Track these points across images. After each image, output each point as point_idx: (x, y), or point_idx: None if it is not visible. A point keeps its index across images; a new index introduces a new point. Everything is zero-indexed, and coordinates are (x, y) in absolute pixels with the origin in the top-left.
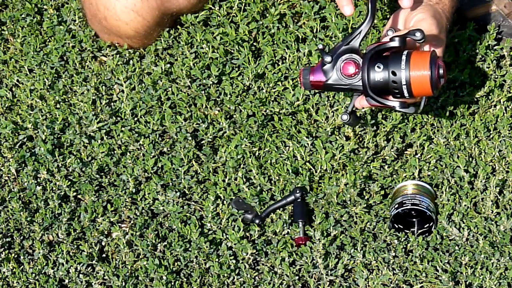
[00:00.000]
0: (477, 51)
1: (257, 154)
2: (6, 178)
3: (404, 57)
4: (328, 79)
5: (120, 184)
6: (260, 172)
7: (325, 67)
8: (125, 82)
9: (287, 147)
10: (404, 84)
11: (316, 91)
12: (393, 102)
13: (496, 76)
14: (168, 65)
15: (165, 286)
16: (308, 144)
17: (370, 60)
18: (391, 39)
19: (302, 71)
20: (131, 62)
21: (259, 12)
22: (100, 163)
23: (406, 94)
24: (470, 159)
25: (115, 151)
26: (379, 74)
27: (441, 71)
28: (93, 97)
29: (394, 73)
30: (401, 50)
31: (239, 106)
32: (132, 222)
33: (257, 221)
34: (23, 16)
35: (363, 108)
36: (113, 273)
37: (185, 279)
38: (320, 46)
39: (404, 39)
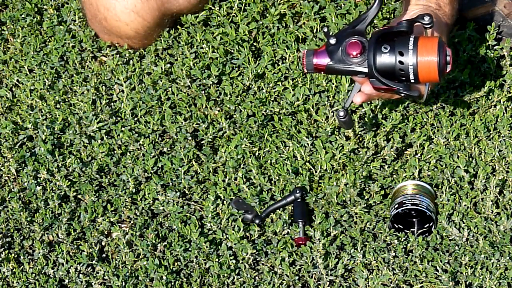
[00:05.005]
0: (477, 51)
1: (257, 154)
2: (6, 178)
3: (412, 40)
4: (332, 60)
5: (120, 184)
6: (260, 172)
7: (329, 49)
8: (125, 82)
9: (287, 147)
10: (411, 66)
11: (316, 90)
12: (398, 84)
13: (496, 76)
14: (168, 65)
15: (165, 286)
16: (308, 144)
17: (377, 42)
18: (399, 23)
19: (306, 52)
20: (131, 62)
21: (259, 12)
22: (100, 163)
23: (412, 77)
24: (470, 159)
25: (115, 151)
26: (385, 55)
27: (448, 58)
28: (93, 97)
29: (401, 53)
30: (408, 34)
31: (239, 106)
32: (132, 222)
33: (257, 221)
34: (23, 16)
35: (361, 102)
36: (113, 273)
37: (185, 279)
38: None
39: (411, 24)
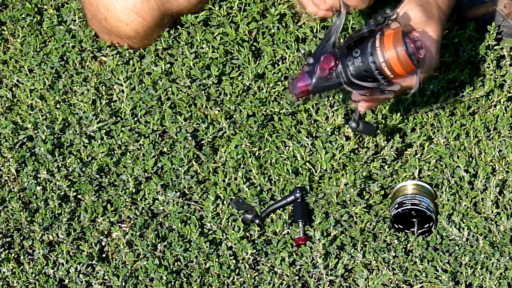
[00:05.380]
0: (477, 51)
1: (257, 154)
2: (6, 178)
3: (378, 37)
4: (313, 80)
5: (120, 184)
6: (260, 172)
7: (309, 69)
8: (125, 82)
9: (287, 147)
10: (383, 63)
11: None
12: (377, 83)
13: (496, 76)
14: (168, 65)
15: (165, 286)
16: (308, 144)
17: (348, 49)
18: (364, 25)
19: (289, 83)
20: (131, 62)
21: (259, 12)
22: (100, 163)
23: (389, 73)
24: (470, 159)
25: (115, 151)
26: (357, 59)
27: (418, 43)
28: (93, 97)
29: (371, 54)
30: (375, 32)
31: (239, 106)
32: (132, 222)
33: (257, 221)
34: (23, 16)
35: (366, 109)
36: (113, 273)
37: (185, 279)
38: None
39: (376, 21)
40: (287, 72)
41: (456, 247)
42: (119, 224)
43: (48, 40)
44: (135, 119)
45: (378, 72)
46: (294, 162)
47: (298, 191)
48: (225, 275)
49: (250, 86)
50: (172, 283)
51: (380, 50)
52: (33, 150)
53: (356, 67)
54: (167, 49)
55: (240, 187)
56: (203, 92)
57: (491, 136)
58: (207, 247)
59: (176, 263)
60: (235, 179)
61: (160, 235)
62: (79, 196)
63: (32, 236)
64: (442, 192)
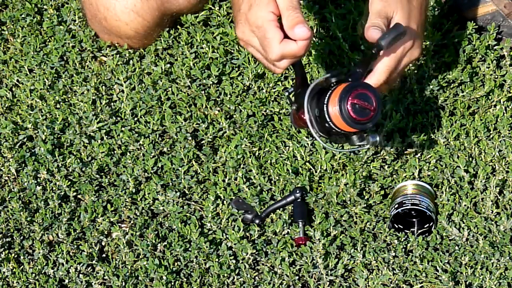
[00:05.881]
0: (477, 51)
1: (257, 154)
2: (6, 178)
3: (329, 92)
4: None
5: (120, 184)
6: (260, 172)
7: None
8: (125, 82)
9: (287, 147)
10: (328, 118)
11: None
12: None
13: (496, 76)
14: (168, 65)
15: (165, 286)
16: (308, 144)
17: (310, 106)
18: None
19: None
20: (131, 62)
21: None
22: (100, 163)
23: (336, 129)
24: (470, 159)
25: (115, 151)
26: (315, 112)
27: (356, 106)
28: (93, 97)
29: (321, 110)
30: (330, 88)
31: (239, 106)
32: (132, 222)
33: (257, 221)
34: (23, 16)
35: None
36: (113, 273)
37: (185, 279)
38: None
39: (336, 74)
40: (287, 72)
41: (456, 247)
42: (119, 224)
43: (48, 40)
44: (135, 119)
45: (328, 125)
46: (294, 162)
47: (298, 191)
48: (225, 275)
49: (250, 86)
50: (172, 283)
51: (325, 106)
52: (33, 150)
53: (316, 121)
54: (167, 49)
55: (240, 187)
56: (203, 92)
57: (491, 136)
58: (207, 247)
59: (176, 263)
60: (235, 179)
61: (160, 235)
62: (79, 196)
63: (32, 236)
64: (442, 192)
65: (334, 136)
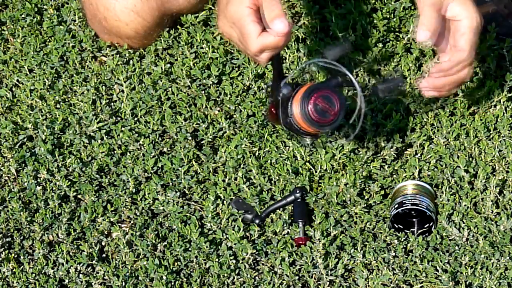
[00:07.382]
0: (477, 51)
1: (257, 154)
2: (6, 178)
3: (298, 88)
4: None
5: (120, 184)
6: (260, 172)
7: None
8: (125, 82)
9: (287, 147)
10: (290, 112)
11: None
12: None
13: (496, 76)
14: (168, 65)
15: (165, 286)
16: (308, 144)
17: (284, 112)
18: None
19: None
20: (131, 62)
21: None
22: (100, 163)
23: (295, 125)
24: (470, 159)
25: (115, 151)
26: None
27: (318, 106)
28: (93, 97)
29: (287, 105)
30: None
31: (239, 106)
32: (132, 222)
33: (257, 221)
34: (23, 16)
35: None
36: (113, 273)
37: (185, 279)
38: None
39: (296, 83)
40: (287, 72)
41: (456, 247)
42: (119, 224)
43: (48, 40)
44: (135, 119)
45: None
46: (294, 162)
47: (298, 191)
48: (225, 275)
49: (250, 86)
50: (172, 283)
51: (290, 108)
52: (33, 150)
53: (287, 122)
54: (167, 49)
55: (240, 187)
56: (203, 92)
57: (491, 136)
58: (207, 247)
59: (176, 263)
60: (235, 179)
61: (160, 235)
62: (79, 196)
63: (32, 236)
64: (442, 192)
65: (295, 132)
